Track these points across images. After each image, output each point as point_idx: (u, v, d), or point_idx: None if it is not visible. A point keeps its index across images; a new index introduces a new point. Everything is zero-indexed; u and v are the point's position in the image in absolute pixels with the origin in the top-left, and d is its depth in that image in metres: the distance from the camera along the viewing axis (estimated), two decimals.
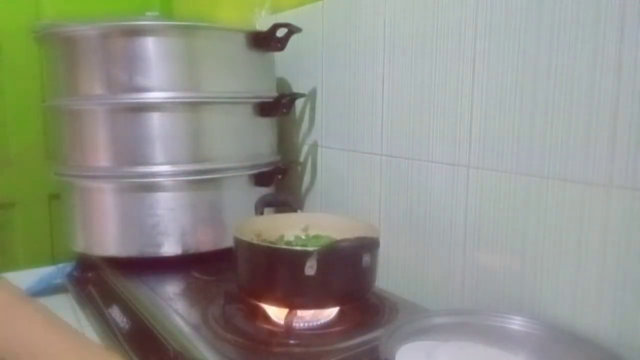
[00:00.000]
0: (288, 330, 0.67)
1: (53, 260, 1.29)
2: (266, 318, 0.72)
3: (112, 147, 0.91)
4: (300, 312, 0.69)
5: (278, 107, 1.02)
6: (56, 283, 1.10)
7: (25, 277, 1.13)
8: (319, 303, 0.71)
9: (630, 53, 0.54)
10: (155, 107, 0.90)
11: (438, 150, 0.78)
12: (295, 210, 0.91)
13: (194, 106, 0.92)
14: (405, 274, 0.86)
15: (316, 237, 0.82)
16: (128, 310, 0.83)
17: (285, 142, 1.15)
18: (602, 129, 0.57)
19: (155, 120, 0.90)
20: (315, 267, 0.65)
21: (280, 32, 0.99)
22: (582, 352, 0.57)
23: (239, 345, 0.65)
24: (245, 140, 0.99)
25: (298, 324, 0.69)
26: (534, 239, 0.65)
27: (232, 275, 0.76)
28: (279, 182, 1.07)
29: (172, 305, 0.79)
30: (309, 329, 0.70)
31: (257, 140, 1.02)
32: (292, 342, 0.66)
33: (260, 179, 1.01)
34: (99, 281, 0.98)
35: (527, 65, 0.64)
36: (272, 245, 0.76)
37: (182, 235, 0.93)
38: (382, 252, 0.75)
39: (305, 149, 1.11)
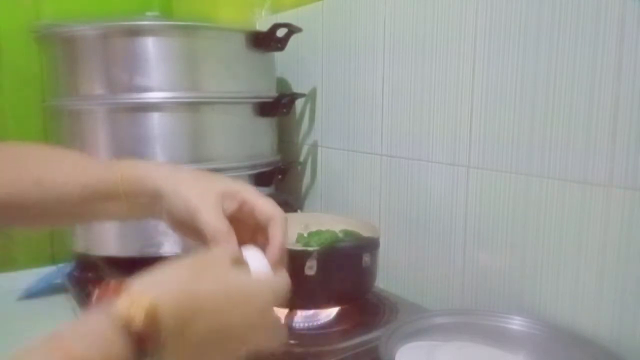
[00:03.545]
0: (288, 330, 0.67)
1: (53, 260, 1.29)
2: None
3: (112, 147, 0.91)
4: (300, 312, 0.69)
5: (278, 107, 1.02)
6: (56, 283, 1.10)
7: (25, 277, 1.13)
8: (319, 303, 0.71)
9: (630, 53, 0.54)
10: (155, 107, 0.90)
11: (438, 150, 0.78)
12: (295, 210, 0.91)
13: (194, 106, 0.92)
14: (405, 274, 0.86)
15: (317, 232, 0.82)
16: None
17: (285, 142, 1.15)
18: (602, 129, 0.57)
19: (155, 120, 0.90)
20: (315, 267, 0.65)
21: (280, 32, 0.99)
22: (582, 352, 0.57)
23: None
24: (245, 140, 0.99)
25: (298, 324, 0.69)
26: (534, 239, 0.65)
27: None
28: (279, 182, 1.07)
29: None
30: (309, 329, 0.70)
31: (257, 140, 1.02)
32: (292, 342, 0.66)
33: (260, 179, 1.01)
34: (99, 281, 0.98)
35: (527, 65, 0.64)
36: None
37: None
38: (382, 252, 0.75)
39: (305, 149, 1.11)
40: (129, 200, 0.50)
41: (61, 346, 0.30)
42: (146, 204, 0.50)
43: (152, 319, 0.32)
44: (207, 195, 0.47)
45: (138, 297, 0.33)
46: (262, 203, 0.49)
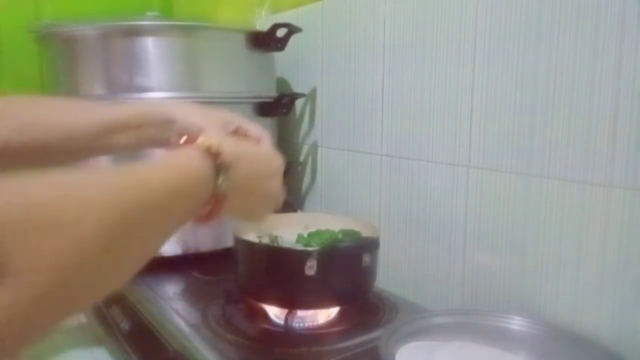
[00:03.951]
0: (288, 330, 0.67)
1: None
2: (266, 318, 0.72)
3: None
4: (300, 312, 0.69)
5: (278, 107, 1.02)
6: None
7: None
8: (319, 303, 0.71)
9: (630, 53, 0.55)
10: None
11: (438, 150, 0.78)
12: (295, 210, 0.91)
13: None
14: (405, 274, 0.86)
15: (317, 232, 0.82)
16: (128, 310, 0.83)
17: (285, 142, 1.15)
18: (602, 129, 0.57)
19: None
20: (315, 267, 0.65)
21: (280, 32, 0.99)
22: (582, 351, 0.57)
23: (239, 345, 0.65)
24: None
25: (298, 324, 0.69)
26: (534, 239, 0.65)
27: (232, 275, 0.76)
28: None
29: (172, 305, 0.78)
30: (309, 329, 0.70)
31: None
32: (292, 342, 0.66)
33: None
34: None
35: (527, 65, 0.64)
36: (272, 245, 0.76)
37: (181, 235, 0.93)
38: (382, 252, 0.75)
39: (305, 149, 1.11)
40: (138, 132, 0.59)
41: (169, 163, 0.42)
42: (153, 134, 0.60)
43: (221, 150, 0.45)
44: (211, 120, 0.59)
45: (210, 137, 0.46)
46: (253, 127, 0.64)
